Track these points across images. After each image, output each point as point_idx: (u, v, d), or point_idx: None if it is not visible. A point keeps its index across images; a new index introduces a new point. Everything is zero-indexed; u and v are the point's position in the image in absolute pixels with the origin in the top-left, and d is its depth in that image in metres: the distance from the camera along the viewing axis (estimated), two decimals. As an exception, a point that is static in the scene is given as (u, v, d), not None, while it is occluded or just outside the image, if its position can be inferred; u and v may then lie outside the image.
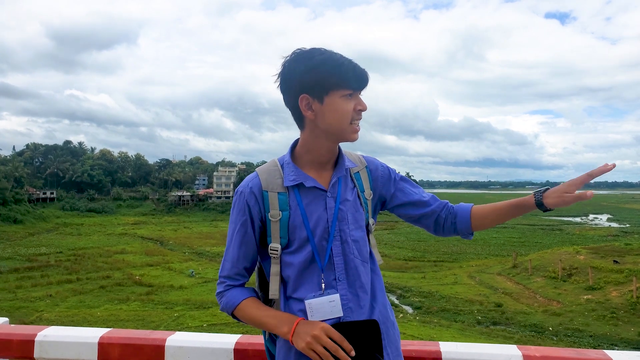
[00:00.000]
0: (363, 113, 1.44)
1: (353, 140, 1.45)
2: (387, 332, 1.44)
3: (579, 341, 24.04)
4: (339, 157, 1.50)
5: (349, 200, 1.47)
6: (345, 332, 1.30)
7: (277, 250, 1.43)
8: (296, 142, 1.50)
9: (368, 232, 1.52)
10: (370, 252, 1.52)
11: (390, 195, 1.58)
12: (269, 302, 1.49)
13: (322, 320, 1.36)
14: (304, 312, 1.39)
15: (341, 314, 1.38)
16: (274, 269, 1.44)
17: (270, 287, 1.45)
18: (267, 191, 1.44)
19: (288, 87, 1.42)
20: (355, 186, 1.51)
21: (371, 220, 1.53)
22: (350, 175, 1.51)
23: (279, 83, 1.44)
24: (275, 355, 1.47)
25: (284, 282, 1.45)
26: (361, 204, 1.50)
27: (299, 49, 1.41)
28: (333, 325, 1.31)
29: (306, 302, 1.38)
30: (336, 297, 1.38)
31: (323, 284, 1.40)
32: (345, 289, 1.41)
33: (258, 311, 1.43)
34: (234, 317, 1.48)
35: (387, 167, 1.60)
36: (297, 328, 1.32)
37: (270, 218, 1.43)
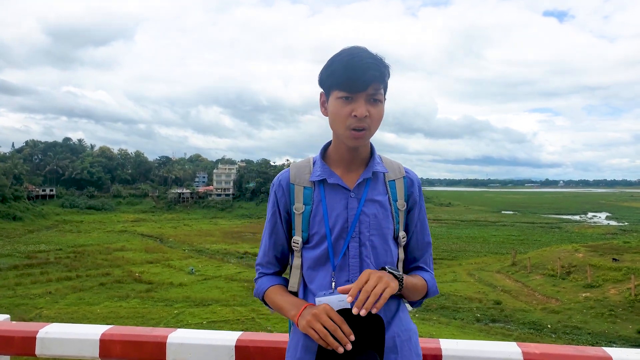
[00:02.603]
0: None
1: (351, 145, 1.42)
2: (401, 348, 1.40)
3: (577, 339, 24.12)
4: (370, 159, 1.48)
5: (376, 204, 1.44)
6: (349, 319, 1.29)
7: (298, 244, 1.46)
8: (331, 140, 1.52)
9: (398, 244, 1.48)
10: (397, 265, 1.49)
11: (408, 220, 1.53)
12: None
13: None
14: None
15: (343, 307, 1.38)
16: (296, 261, 1.48)
17: (290, 279, 1.50)
18: (293, 184, 1.47)
19: None
20: (387, 193, 1.47)
21: (402, 233, 1.48)
22: (385, 182, 1.48)
23: None
24: (288, 343, 1.50)
25: (303, 275, 1.48)
26: (392, 212, 1.46)
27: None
28: (338, 311, 1.30)
29: (316, 298, 1.38)
30: (344, 297, 1.35)
31: (334, 283, 1.40)
32: (357, 293, 1.38)
33: (279, 297, 1.47)
34: (265, 303, 1.54)
35: (420, 192, 1.53)
36: (304, 311, 1.34)
37: (294, 211, 1.46)
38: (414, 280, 1.46)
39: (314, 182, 1.46)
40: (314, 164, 1.50)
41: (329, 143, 1.51)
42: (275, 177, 1.53)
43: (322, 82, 1.43)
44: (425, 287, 1.50)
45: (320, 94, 1.46)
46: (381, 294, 1.23)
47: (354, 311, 1.22)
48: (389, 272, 1.33)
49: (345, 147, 1.44)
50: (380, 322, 1.30)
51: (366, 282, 1.24)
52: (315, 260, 1.43)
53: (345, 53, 1.37)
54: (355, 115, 1.35)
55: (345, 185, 1.43)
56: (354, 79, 1.33)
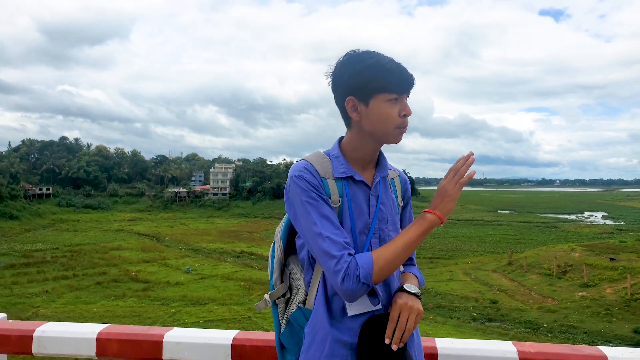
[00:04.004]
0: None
1: (397, 142, 1.48)
2: (411, 340, 1.48)
3: (573, 338, 24.18)
4: (380, 158, 1.55)
5: (390, 202, 1.53)
6: (377, 331, 1.39)
7: None
8: (342, 138, 1.54)
9: None
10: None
11: (402, 216, 1.63)
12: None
13: (358, 315, 1.41)
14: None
15: (373, 307, 1.43)
16: None
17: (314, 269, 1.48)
18: (325, 178, 1.46)
19: (337, 88, 1.47)
20: (392, 191, 1.57)
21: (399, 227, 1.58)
22: (388, 180, 1.58)
23: (330, 83, 1.49)
24: (305, 339, 1.45)
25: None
26: (398, 209, 1.58)
27: (352, 51, 1.46)
28: (369, 320, 1.40)
29: None
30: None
31: None
32: (381, 287, 1.45)
33: (397, 239, 1.39)
34: (368, 285, 1.33)
35: (409, 187, 1.67)
36: (436, 207, 1.39)
37: (331, 204, 1.43)
38: (415, 283, 1.54)
39: (338, 178, 1.49)
40: (330, 159, 1.50)
41: (341, 139, 1.55)
42: (298, 170, 1.44)
43: (356, 88, 1.42)
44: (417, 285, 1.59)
45: (349, 100, 1.45)
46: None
47: (393, 347, 1.34)
48: (410, 293, 1.42)
49: (372, 147, 1.49)
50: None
51: (398, 318, 1.36)
52: None
53: (376, 57, 1.43)
54: (404, 115, 1.43)
55: (368, 183, 1.50)
56: (406, 79, 1.42)
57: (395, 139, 1.46)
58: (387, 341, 1.34)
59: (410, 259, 1.63)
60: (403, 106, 1.43)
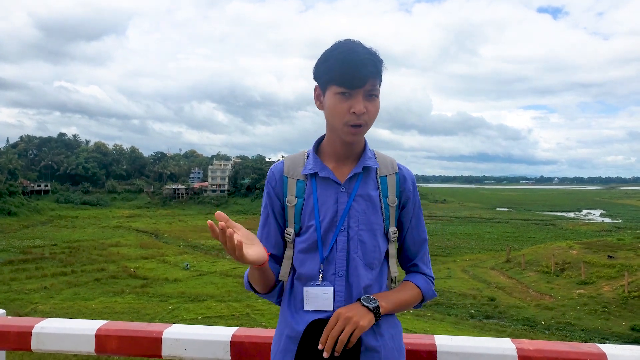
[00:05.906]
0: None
1: (348, 140, 1.41)
2: (384, 347, 1.40)
3: (570, 335, 24.26)
4: (364, 153, 1.48)
5: (367, 200, 1.44)
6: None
7: (290, 235, 1.47)
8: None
9: (388, 240, 1.48)
10: (386, 262, 1.49)
11: (402, 217, 1.53)
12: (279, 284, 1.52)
13: (316, 311, 1.39)
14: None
15: (331, 308, 1.38)
16: (288, 252, 1.49)
17: (281, 269, 1.50)
18: (287, 177, 1.48)
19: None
20: (378, 188, 1.47)
21: (392, 229, 1.47)
22: (377, 177, 1.48)
23: None
24: (273, 337, 1.53)
25: (293, 266, 1.49)
26: (381, 208, 1.46)
27: (340, 40, 1.41)
28: (312, 322, 1.37)
29: (304, 289, 1.42)
30: (329, 290, 1.40)
31: (321, 275, 1.41)
32: (342, 287, 1.41)
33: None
34: (252, 289, 1.50)
35: (414, 188, 1.52)
36: None
37: (287, 203, 1.47)
38: (401, 296, 1.46)
39: (306, 175, 1.47)
40: (307, 157, 1.50)
41: (323, 136, 1.51)
42: (270, 170, 1.52)
43: (317, 77, 1.43)
44: (417, 296, 1.50)
45: (315, 87, 1.45)
46: (350, 335, 1.28)
47: (325, 355, 1.28)
48: (363, 305, 1.34)
49: (340, 141, 1.44)
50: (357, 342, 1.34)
51: (334, 325, 1.29)
52: (306, 252, 1.44)
53: (342, 48, 1.36)
54: (353, 112, 1.35)
55: (336, 180, 1.44)
56: (352, 75, 1.32)
57: (347, 136, 1.39)
58: (320, 347, 1.29)
59: (417, 267, 1.55)
60: (354, 103, 1.34)
